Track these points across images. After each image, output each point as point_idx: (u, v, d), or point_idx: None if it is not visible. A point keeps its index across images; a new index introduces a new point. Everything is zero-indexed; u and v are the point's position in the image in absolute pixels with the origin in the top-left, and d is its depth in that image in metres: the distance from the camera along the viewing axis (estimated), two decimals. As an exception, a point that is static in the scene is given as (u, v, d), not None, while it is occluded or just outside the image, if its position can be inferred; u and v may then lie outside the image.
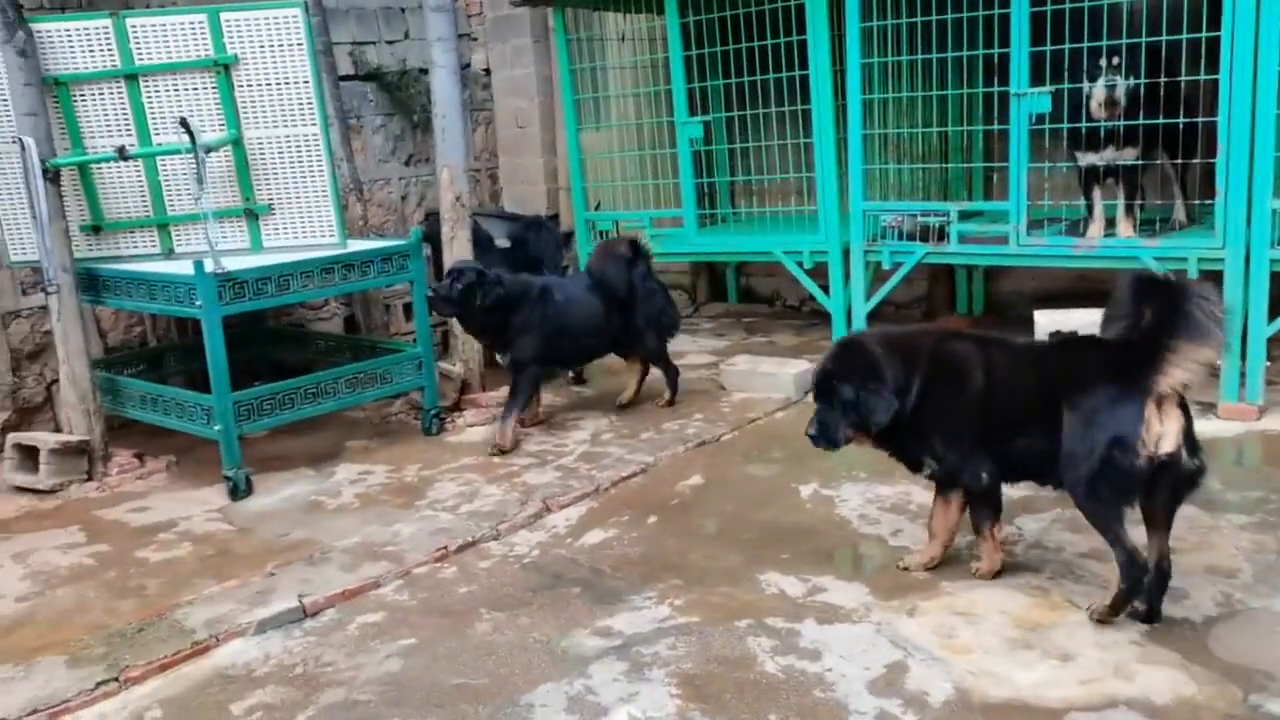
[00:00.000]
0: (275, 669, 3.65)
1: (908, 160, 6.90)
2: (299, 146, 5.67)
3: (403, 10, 8.65)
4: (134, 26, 5.45)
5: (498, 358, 6.06)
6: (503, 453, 5.64)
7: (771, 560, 4.23)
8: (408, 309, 7.41)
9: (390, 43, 8.57)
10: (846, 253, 6.64)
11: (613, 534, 4.63)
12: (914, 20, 6.17)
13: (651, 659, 3.53)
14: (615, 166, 8.17)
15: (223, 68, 5.49)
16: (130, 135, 5.60)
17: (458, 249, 6.45)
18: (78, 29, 5.44)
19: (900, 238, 6.45)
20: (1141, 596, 3.48)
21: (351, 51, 8.23)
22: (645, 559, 4.36)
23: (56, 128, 5.50)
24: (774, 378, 6.38)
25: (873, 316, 6.75)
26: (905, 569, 4.04)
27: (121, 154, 5.41)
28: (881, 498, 4.74)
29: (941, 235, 6.27)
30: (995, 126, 6.32)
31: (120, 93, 5.54)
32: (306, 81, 5.55)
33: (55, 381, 6.35)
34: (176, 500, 5.26)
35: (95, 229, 5.77)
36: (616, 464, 5.42)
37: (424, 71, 8.62)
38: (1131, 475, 3.29)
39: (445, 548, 4.51)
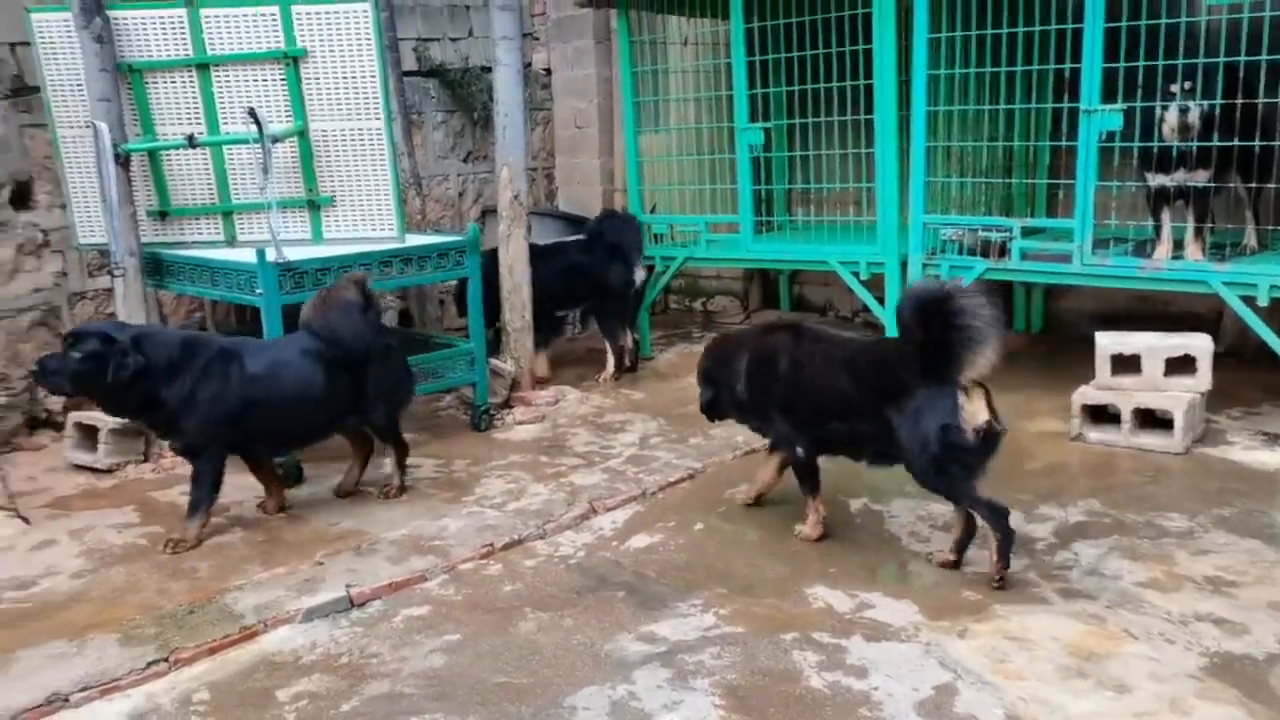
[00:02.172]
0: (321, 657, 3.68)
1: (970, 174, 6.81)
2: (363, 140, 5.72)
3: (467, 8, 8.72)
4: (207, 17, 5.53)
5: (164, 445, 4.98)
6: (176, 550, 4.55)
7: (818, 573, 4.19)
8: (460, 304, 7.47)
9: (454, 40, 8.64)
10: (904, 265, 6.56)
11: (658, 539, 4.61)
12: (983, 33, 6.07)
13: (696, 668, 3.50)
14: (672, 170, 8.16)
15: (291, 60, 5.55)
16: (199, 123, 5.69)
17: (514, 247, 6.47)
18: (153, 17, 5.54)
19: (960, 252, 6.36)
20: (954, 549, 4.15)
21: (416, 47, 8.31)
22: (690, 565, 4.34)
23: (128, 114, 5.61)
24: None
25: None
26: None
27: (190, 141, 5.49)
28: (933, 515, 4.67)
29: (1003, 251, 6.18)
30: (1063, 142, 6.22)
31: (191, 81, 5.63)
32: (373, 76, 5.60)
33: (116, 362, 6.47)
34: (229, 485, 5.25)
35: (162, 214, 5.87)
36: (664, 469, 5.40)
37: (486, 69, 8.70)
38: (967, 449, 3.90)
39: (491, 545, 4.52)
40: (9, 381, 6.22)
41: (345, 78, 5.59)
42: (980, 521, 4.02)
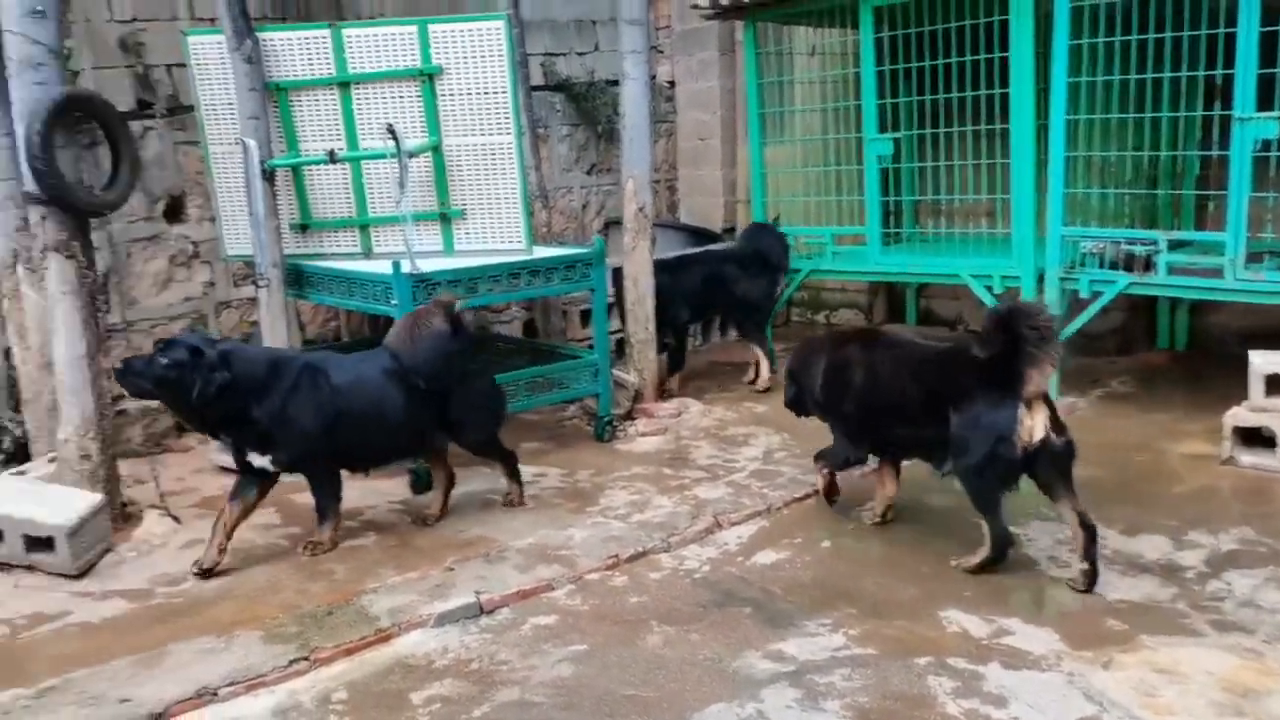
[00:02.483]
0: (453, 662, 3.75)
1: (1112, 185, 6.55)
2: (494, 154, 5.83)
3: (594, 23, 8.82)
4: (349, 37, 5.73)
5: (246, 461, 4.64)
6: (314, 554, 4.69)
7: (952, 596, 4.07)
8: (584, 315, 7.56)
9: (580, 54, 8.75)
10: (1041, 279, 6.35)
11: (784, 555, 4.56)
12: (1128, 39, 5.84)
13: (826, 689, 3.44)
14: (795, 181, 8.09)
15: (427, 77, 5.70)
16: (339, 140, 5.89)
17: (638, 258, 6.51)
18: (299, 38, 5.76)
19: (1101, 265, 6.12)
20: (1082, 557, 4.08)
21: (543, 62, 8.44)
22: (818, 584, 4.27)
23: (274, 131, 5.85)
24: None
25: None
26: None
27: (332, 157, 5.68)
28: (1072, 540, 4.49)
29: (1147, 265, 5.92)
30: (1213, 152, 5.93)
31: (333, 99, 5.84)
32: (504, 91, 5.70)
33: (257, 369, 6.75)
34: (362, 490, 5.47)
35: (303, 227, 6.10)
36: (790, 484, 5.34)
37: (611, 83, 8.79)
38: (1012, 463, 4.06)
39: (617, 556, 4.54)
40: (160, 386, 6.53)
41: (478, 93, 5.71)
42: (1080, 531, 4.10)
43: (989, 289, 6.58)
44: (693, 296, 7.13)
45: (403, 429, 4.78)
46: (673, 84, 9.61)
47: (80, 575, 4.56)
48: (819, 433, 5.17)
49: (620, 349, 6.91)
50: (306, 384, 4.57)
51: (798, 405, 5.10)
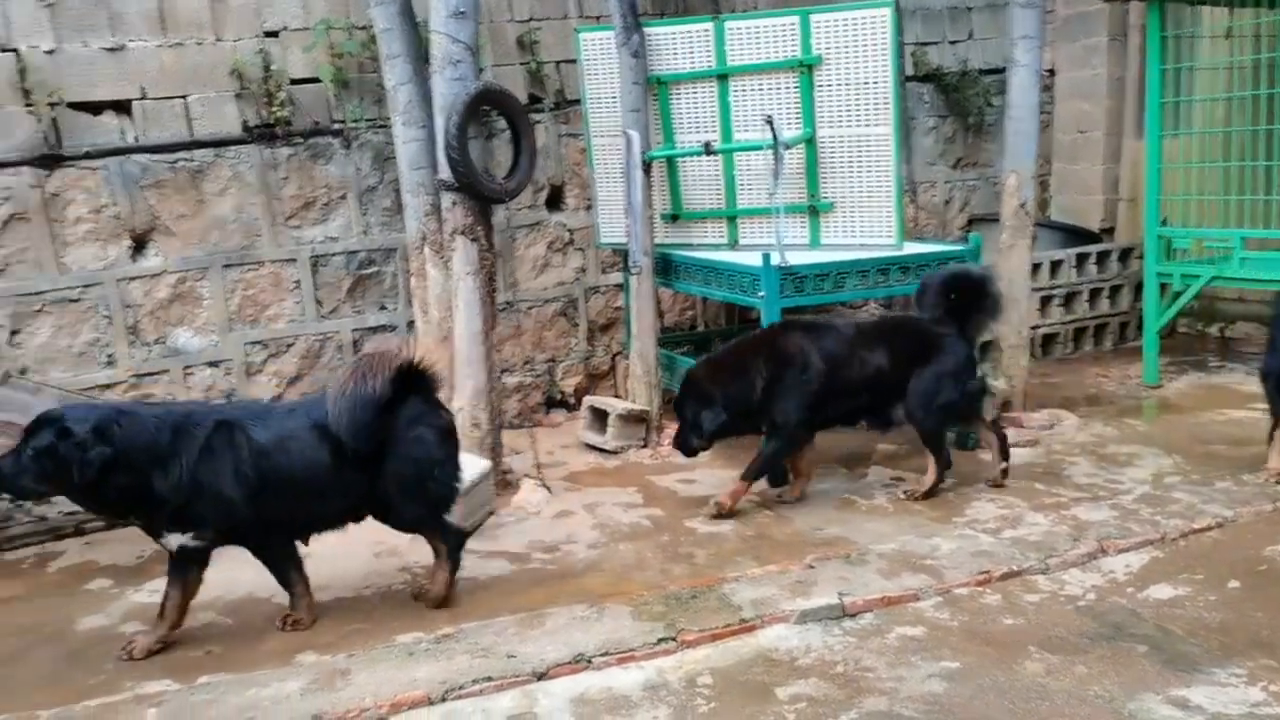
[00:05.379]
0: (816, 662, 3.67)
1: None
2: (868, 146, 5.68)
3: (969, 9, 8.41)
4: (731, 29, 5.79)
5: (165, 544, 3.93)
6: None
7: (1405, 663, 3.47)
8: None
9: (953, 43, 8.37)
10: None
11: (1183, 592, 4.09)
12: None
13: (1247, 749, 3.03)
14: (1192, 178, 7.26)
15: (806, 68, 5.65)
16: (714, 132, 5.98)
17: (1015, 259, 6.12)
18: (682, 32, 5.90)
19: None
20: (999, 458, 5.28)
21: (914, 52, 8.16)
22: (1226, 628, 3.79)
23: (652, 123, 6.03)
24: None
25: None
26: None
27: (707, 149, 5.77)
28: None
29: None
30: None
31: (711, 91, 5.93)
32: (885, 82, 5.54)
33: (619, 353, 7.05)
34: (719, 478, 5.54)
35: (674, 217, 6.26)
36: (1185, 513, 4.79)
37: (985, 72, 8.35)
38: (959, 404, 5.16)
39: (988, 573, 4.27)
40: (534, 365, 6.98)
41: (857, 84, 5.59)
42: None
43: None
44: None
45: (330, 495, 4.04)
46: (1051, 72, 8.97)
47: (468, 534, 4.93)
48: (1220, 460, 4.61)
49: (984, 353, 6.52)
50: (221, 445, 3.86)
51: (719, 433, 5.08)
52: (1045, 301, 7.87)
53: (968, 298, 5.15)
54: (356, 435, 3.91)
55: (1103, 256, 8.13)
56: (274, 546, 4.08)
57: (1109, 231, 8.65)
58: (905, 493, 5.22)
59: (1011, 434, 5.91)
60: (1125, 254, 8.17)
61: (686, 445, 5.13)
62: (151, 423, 3.77)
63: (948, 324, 5.15)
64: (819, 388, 4.97)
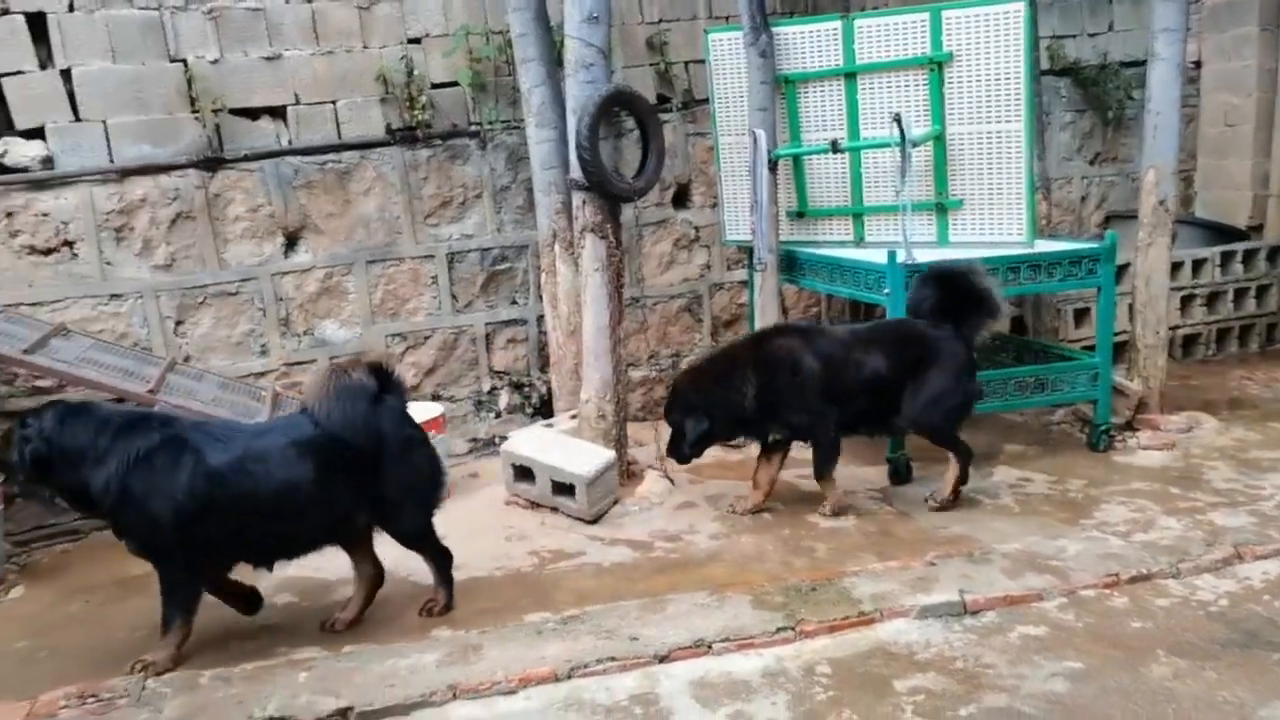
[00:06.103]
0: (935, 657, 3.69)
1: None
2: (999, 143, 5.61)
3: (1109, 1, 8.17)
4: (860, 27, 5.79)
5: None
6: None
7: None
8: (1078, 315, 7.06)
9: (1092, 35, 8.15)
10: None
11: (1327, 603, 3.95)
12: None
13: (1388, 765, 2.94)
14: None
15: (936, 65, 5.61)
16: (840, 129, 6.00)
17: (1154, 256, 5.95)
18: (810, 31, 5.94)
19: None
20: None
21: (1049, 45, 7.97)
22: (1373, 643, 3.65)
23: (779, 122, 6.08)
24: None
25: None
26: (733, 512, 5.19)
27: (834, 147, 5.79)
28: None
29: None
30: None
31: (838, 90, 5.95)
32: (1017, 78, 5.46)
33: (744, 349, 7.11)
34: (841, 475, 5.56)
35: (799, 215, 6.30)
36: (1332, 522, 4.61)
37: (1125, 65, 8.11)
38: (961, 405, 5.02)
39: (1116, 575, 4.20)
40: (658, 359, 7.12)
41: (989, 80, 5.52)
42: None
43: None
44: None
45: (315, 511, 3.93)
46: (1197, 64, 8.63)
47: (593, 521, 5.11)
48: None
49: (1120, 353, 6.36)
50: (162, 462, 3.73)
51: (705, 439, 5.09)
52: (1186, 301, 7.60)
53: (957, 296, 4.96)
54: (353, 426, 3.90)
55: (1249, 255, 7.80)
56: (191, 573, 3.89)
57: (1257, 229, 8.28)
58: (929, 497, 5.14)
59: (1145, 435, 5.79)
60: (1274, 252, 7.82)
61: (678, 453, 5.11)
62: (95, 425, 3.76)
63: (943, 325, 4.97)
64: (819, 388, 4.91)
